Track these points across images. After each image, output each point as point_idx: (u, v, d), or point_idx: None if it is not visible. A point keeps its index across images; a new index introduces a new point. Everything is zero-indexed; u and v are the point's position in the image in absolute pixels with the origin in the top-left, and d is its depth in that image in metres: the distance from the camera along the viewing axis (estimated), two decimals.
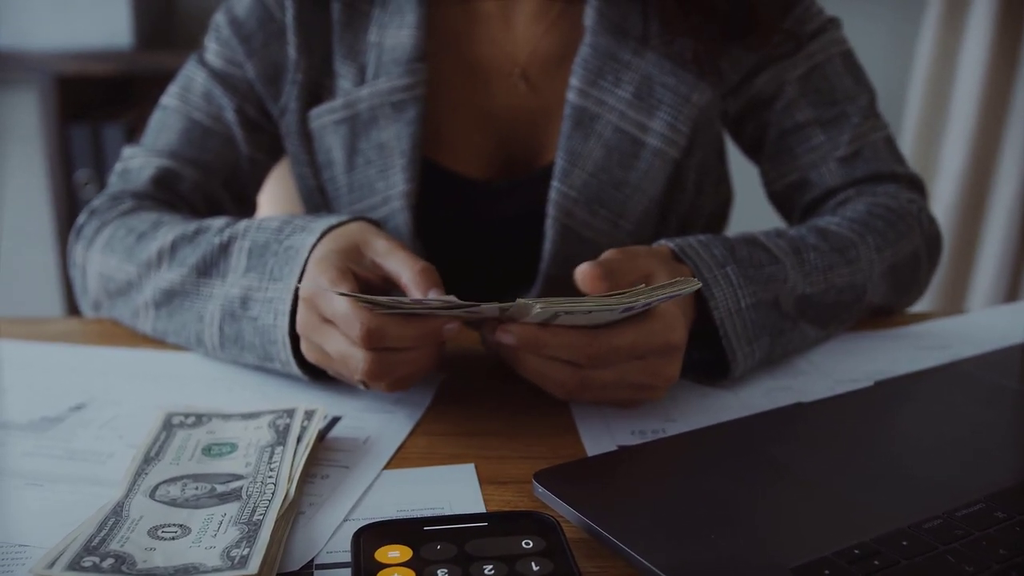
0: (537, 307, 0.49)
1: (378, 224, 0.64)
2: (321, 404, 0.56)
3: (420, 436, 0.57)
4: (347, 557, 0.42)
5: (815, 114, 0.81)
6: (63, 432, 0.56)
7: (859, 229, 0.72)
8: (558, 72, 0.81)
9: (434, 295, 0.54)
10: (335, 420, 0.58)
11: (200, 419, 0.55)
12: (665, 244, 0.63)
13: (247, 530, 0.43)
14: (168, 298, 0.68)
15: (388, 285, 0.58)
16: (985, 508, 0.44)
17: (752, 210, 1.12)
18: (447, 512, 0.48)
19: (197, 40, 0.88)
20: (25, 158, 1.93)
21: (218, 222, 0.68)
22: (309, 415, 0.54)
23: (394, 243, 0.59)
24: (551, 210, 0.77)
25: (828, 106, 0.81)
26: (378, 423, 0.58)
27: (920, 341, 0.72)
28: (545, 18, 0.81)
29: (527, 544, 0.41)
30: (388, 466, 0.53)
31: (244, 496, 0.46)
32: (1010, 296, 1.94)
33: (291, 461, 0.49)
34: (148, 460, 0.50)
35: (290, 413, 0.54)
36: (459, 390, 0.63)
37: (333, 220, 0.62)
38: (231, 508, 0.45)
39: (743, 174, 1.00)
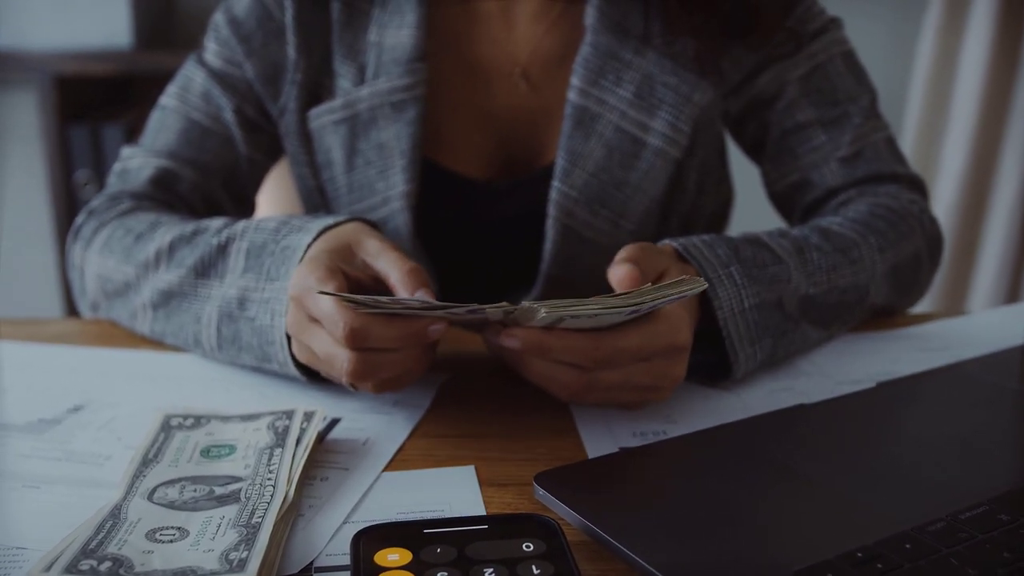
0: (542, 311, 0.49)
1: (374, 225, 0.64)
2: (320, 406, 0.56)
3: (420, 438, 0.56)
4: (347, 560, 0.42)
5: (816, 114, 0.80)
6: (61, 434, 0.56)
7: (861, 229, 0.72)
8: (559, 72, 0.81)
9: (422, 296, 0.54)
10: (334, 422, 0.58)
11: (199, 421, 0.55)
12: (669, 244, 0.62)
13: (246, 533, 0.43)
14: (166, 299, 0.68)
15: (379, 285, 0.58)
16: (988, 511, 0.44)
17: (753, 210, 1.11)
18: (447, 514, 0.48)
19: (197, 40, 0.88)
20: (25, 158, 1.92)
21: (216, 223, 0.68)
22: (308, 417, 0.54)
23: (386, 243, 0.58)
24: (552, 210, 0.77)
25: (829, 106, 0.80)
26: (378, 425, 0.58)
27: (922, 342, 0.72)
28: (546, 18, 0.81)
29: (528, 547, 0.41)
30: (388, 468, 0.53)
31: (243, 498, 0.46)
32: (1011, 296, 1.94)
33: (290, 463, 0.49)
34: (146, 462, 0.50)
35: (289, 415, 0.54)
36: (459, 391, 0.63)
37: (330, 220, 0.62)
38: (230, 510, 0.45)
39: (744, 174, 1.00)
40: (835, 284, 0.68)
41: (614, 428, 0.57)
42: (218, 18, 0.82)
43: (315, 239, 0.60)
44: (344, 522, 0.47)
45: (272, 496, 0.46)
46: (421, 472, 0.52)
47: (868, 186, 0.80)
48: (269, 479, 0.48)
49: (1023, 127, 1.85)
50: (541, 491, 0.46)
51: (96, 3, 1.68)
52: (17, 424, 0.57)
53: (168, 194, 0.80)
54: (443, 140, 0.81)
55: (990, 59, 1.84)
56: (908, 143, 1.93)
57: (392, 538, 0.41)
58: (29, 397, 0.61)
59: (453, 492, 0.50)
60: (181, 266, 0.67)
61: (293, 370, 0.60)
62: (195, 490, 0.47)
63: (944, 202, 1.92)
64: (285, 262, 0.60)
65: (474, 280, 0.85)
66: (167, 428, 0.54)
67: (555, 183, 0.76)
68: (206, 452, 0.51)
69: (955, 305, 2.00)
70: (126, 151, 0.83)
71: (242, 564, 0.40)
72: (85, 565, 0.40)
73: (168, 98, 0.83)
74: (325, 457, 0.53)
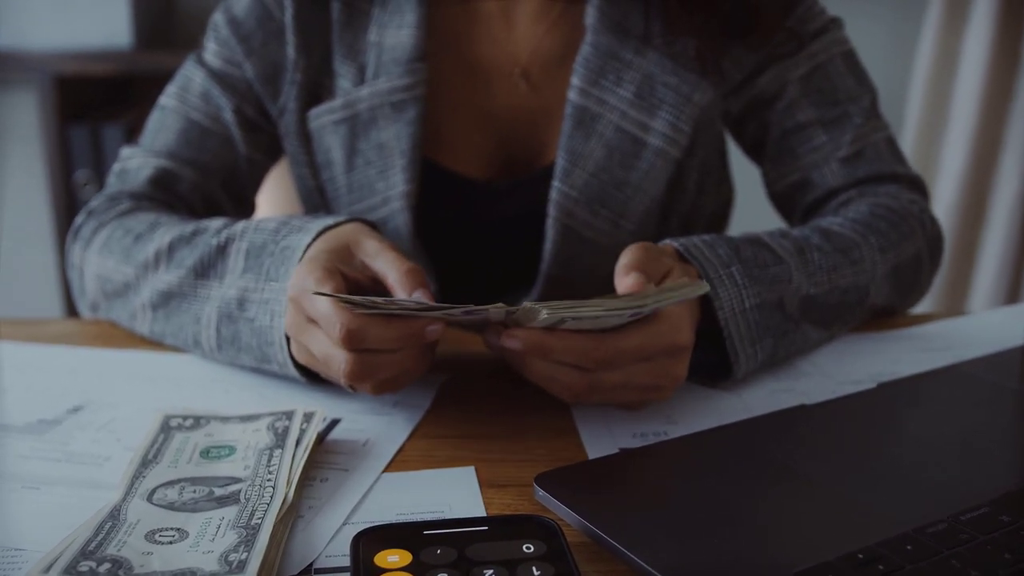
0: (544, 312, 0.49)
1: (374, 225, 0.64)
2: (320, 406, 0.55)
3: (420, 438, 0.56)
4: (346, 561, 0.42)
5: (817, 114, 0.80)
6: (60, 434, 0.56)
7: (862, 230, 0.72)
8: (559, 72, 0.80)
9: (419, 296, 0.54)
10: (334, 422, 0.58)
11: (198, 421, 0.55)
12: (670, 244, 0.62)
13: (245, 534, 0.42)
14: (165, 300, 0.67)
15: (377, 286, 0.58)
16: (990, 512, 0.44)
17: (753, 210, 1.11)
18: (447, 515, 0.47)
19: (197, 40, 0.88)
20: (24, 158, 1.92)
21: (216, 223, 0.68)
22: (308, 417, 0.54)
23: (384, 244, 0.58)
24: (552, 210, 0.77)
25: (830, 106, 0.80)
26: (377, 425, 0.57)
27: (923, 343, 0.72)
28: (546, 17, 0.81)
29: (528, 548, 0.40)
30: (388, 469, 0.52)
31: (242, 499, 0.46)
32: (1011, 296, 1.93)
33: (290, 464, 0.49)
34: (146, 463, 0.50)
35: (289, 415, 0.54)
36: (459, 392, 0.63)
37: (329, 221, 0.62)
38: (229, 511, 0.45)
39: (744, 174, 1.00)
40: (836, 284, 0.68)
41: (614, 429, 0.57)
42: (217, 18, 0.82)
43: (314, 239, 0.60)
44: (344, 523, 0.47)
45: (272, 497, 0.46)
46: (421, 473, 0.52)
47: (869, 186, 0.80)
48: (269, 480, 0.48)
49: (1023, 127, 1.85)
50: (541, 492, 0.46)
51: (96, 3, 1.68)
52: (16, 425, 0.57)
53: (167, 194, 0.80)
54: (443, 140, 0.81)
55: (990, 59, 1.83)
56: (908, 143, 1.93)
57: (392, 539, 0.41)
58: (28, 398, 0.61)
59: (453, 493, 0.50)
60: (180, 267, 0.66)
61: (292, 371, 0.60)
62: (195, 491, 0.47)
63: (944, 202, 1.92)
64: (285, 262, 0.60)
65: (474, 280, 0.85)
66: (166, 429, 0.54)
67: (555, 183, 0.76)
68: (206, 453, 0.51)
69: (955, 305, 2.00)
70: (125, 151, 0.83)
71: (242, 565, 0.40)
72: (84, 567, 0.39)
73: (167, 98, 0.83)
74: (325, 458, 0.53)
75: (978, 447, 0.53)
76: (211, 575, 0.39)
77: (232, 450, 0.52)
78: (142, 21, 1.73)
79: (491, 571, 0.39)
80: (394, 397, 0.61)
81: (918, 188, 0.82)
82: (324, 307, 0.52)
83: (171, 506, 0.46)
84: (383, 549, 0.40)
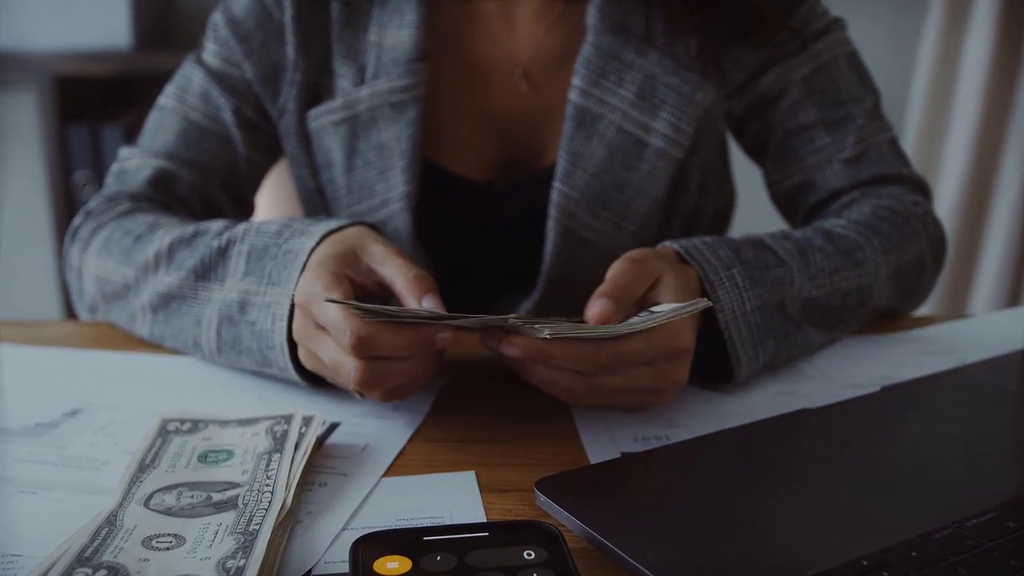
0: (546, 331, 0.50)
1: (377, 228, 0.64)
2: (319, 410, 0.55)
3: (420, 443, 0.56)
4: (345, 567, 0.41)
5: (820, 115, 0.80)
6: (57, 438, 0.55)
7: (864, 232, 0.71)
8: (560, 72, 0.80)
9: (428, 302, 0.53)
10: (333, 426, 0.57)
11: (196, 425, 0.54)
12: (670, 246, 0.62)
13: (243, 540, 0.42)
14: (165, 302, 0.67)
15: (384, 291, 0.58)
16: (995, 518, 0.43)
17: (755, 211, 1.11)
18: (447, 521, 0.47)
19: (196, 40, 0.87)
20: (24, 159, 1.92)
21: (216, 225, 0.67)
22: (307, 421, 0.53)
23: (390, 249, 0.58)
24: (552, 211, 0.76)
25: (833, 107, 0.80)
26: (377, 429, 0.57)
27: (925, 345, 0.72)
28: (547, 17, 0.80)
29: (529, 555, 0.40)
30: (387, 473, 0.52)
31: (240, 505, 0.46)
32: (1012, 298, 1.93)
33: (288, 468, 0.49)
34: (143, 467, 0.50)
35: (288, 419, 0.54)
36: (459, 395, 0.62)
37: (332, 224, 0.61)
38: (227, 517, 0.45)
39: (746, 175, 1.00)
40: (838, 286, 0.67)
41: (616, 433, 0.57)
42: (217, 18, 0.82)
43: (318, 243, 0.60)
44: (343, 529, 0.46)
45: (270, 502, 0.45)
46: (421, 478, 0.52)
47: (872, 188, 0.79)
48: (267, 485, 0.47)
49: None
50: (542, 497, 0.46)
51: (96, 3, 1.68)
52: (13, 428, 0.57)
53: (166, 195, 0.79)
54: (443, 141, 0.81)
55: (992, 59, 1.83)
56: (909, 144, 1.93)
57: (391, 545, 0.41)
58: (26, 400, 0.61)
59: (453, 498, 0.49)
60: (181, 268, 0.66)
61: (293, 375, 0.60)
62: (192, 496, 0.47)
63: (945, 203, 1.91)
64: (287, 266, 0.60)
65: (474, 281, 0.85)
66: (164, 433, 0.53)
67: (556, 184, 0.76)
68: (204, 457, 0.51)
69: (956, 307, 1.99)
70: (124, 151, 0.82)
71: (239, 572, 0.39)
72: (80, 574, 0.39)
73: (166, 98, 0.82)
74: (324, 462, 0.53)
75: (982, 451, 0.52)
76: None
77: (230, 454, 0.51)
78: (142, 21, 1.73)
79: None
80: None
81: (921, 189, 0.81)
82: (334, 314, 0.52)
83: (168, 511, 0.45)
84: (382, 555, 0.40)
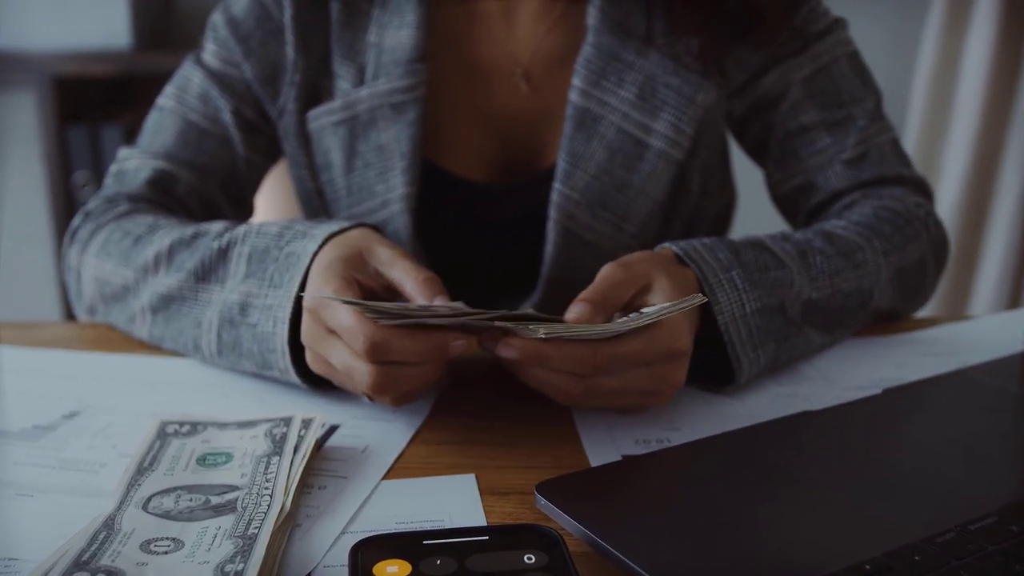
0: (541, 332, 0.50)
1: (380, 230, 0.63)
2: (319, 412, 0.55)
3: (420, 445, 0.56)
4: (345, 571, 0.41)
5: (821, 116, 0.80)
6: (55, 441, 0.55)
7: (866, 233, 0.71)
8: (560, 72, 0.80)
9: (440, 304, 0.53)
10: (333, 429, 0.57)
11: (195, 428, 0.54)
12: (669, 247, 0.62)
13: (242, 544, 0.42)
14: (165, 303, 0.67)
15: (391, 294, 0.57)
16: (999, 521, 0.43)
17: (756, 213, 1.11)
18: (447, 524, 0.47)
19: (196, 40, 0.87)
20: (23, 159, 1.92)
21: (216, 226, 0.67)
22: (306, 424, 0.53)
23: (397, 251, 0.58)
24: (552, 213, 0.76)
25: (834, 108, 0.80)
26: (377, 432, 0.57)
27: (926, 347, 0.71)
28: (547, 18, 0.80)
29: (529, 559, 0.40)
30: (387, 476, 0.52)
31: (239, 508, 0.45)
32: (1013, 299, 1.93)
33: (288, 471, 0.48)
34: (141, 470, 0.49)
35: (287, 422, 0.53)
36: (459, 398, 0.62)
37: (334, 226, 0.61)
38: (226, 521, 0.44)
39: (747, 176, 0.99)
40: (838, 288, 0.67)
41: (616, 435, 0.56)
42: (216, 18, 0.81)
43: (321, 246, 0.59)
44: (342, 532, 0.46)
45: (269, 506, 0.45)
46: (421, 480, 0.51)
47: (873, 189, 0.79)
48: (266, 488, 0.47)
49: None
50: (543, 500, 0.46)
51: (95, 4, 1.68)
52: (11, 431, 0.56)
53: (165, 196, 0.79)
54: (443, 142, 0.81)
55: (993, 60, 1.83)
56: (910, 144, 1.93)
57: (391, 549, 0.40)
58: (24, 402, 0.60)
59: (453, 501, 0.49)
60: (181, 270, 0.66)
61: (294, 378, 0.60)
62: (191, 499, 0.47)
63: (946, 204, 1.91)
64: (289, 269, 0.60)
65: (474, 282, 0.84)
66: (163, 435, 0.53)
67: (556, 185, 0.76)
68: (202, 460, 0.51)
69: (957, 308, 1.99)
70: (123, 152, 0.82)
71: None
72: None
73: (165, 99, 0.82)
74: (323, 465, 0.52)
75: (984, 454, 0.52)
76: None
77: (229, 457, 0.51)
78: (141, 22, 1.73)
79: None
80: None
81: (923, 191, 0.81)
82: (346, 319, 0.52)
83: (167, 515, 0.45)
84: (382, 559, 0.40)
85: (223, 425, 0.54)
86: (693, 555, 0.41)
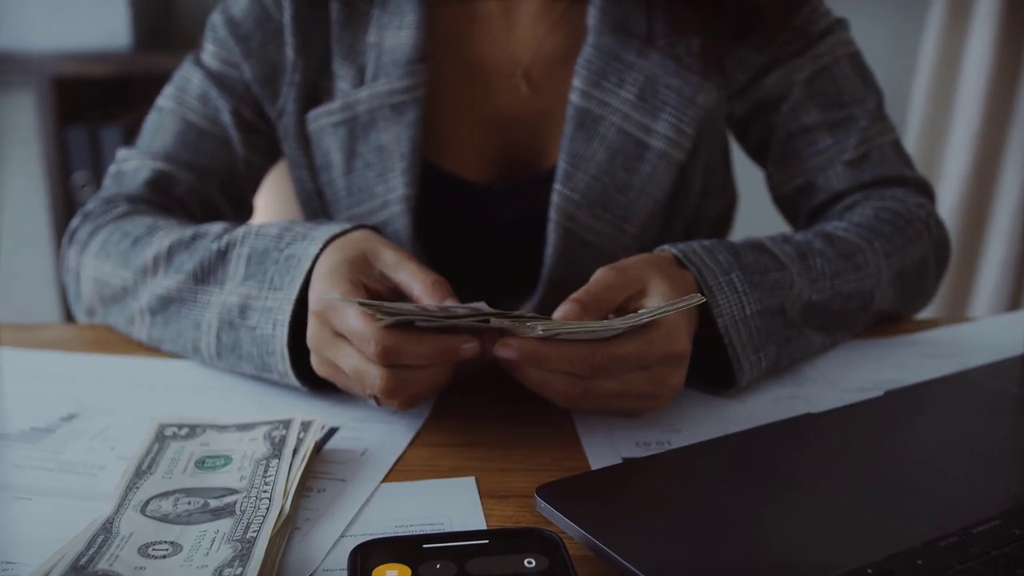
0: (539, 329, 0.50)
1: (380, 232, 0.63)
2: (318, 414, 0.55)
3: (419, 448, 0.55)
4: (344, 575, 0.41)
5: (822, 117, 0.79)
6: (54, 443, 0.55)
7: (866, 234, 0.71)
8: (560, 73, 0.79)
9: (452, 305, 0.53)
10: (332, 431, 0.57)
11: (194, 430, 0.54)
12: (668, 250, 0.61)
13: (240, 548, 0.42)
14: (164, 305, 0.66)
15: (397, 296, 0.57)
16: (1001, 525, 0.43)
17: (756, 214, 1.10)
18: (447, 527, 0.47)
19: (196, 41, 0.87)
20: (22, 160, 1.92)
21: (215, 228, 0.67)
22: (306, 426, 0.53)
23: (402, 254, 0.57)
24: (553, 214, 0.76)
25: (835, 109, 0.79)
26: (376, 434, 0.57)
27: (928, 349, 0.71)
28: (547, 18, 0.80)
29: (529, 563, 0.40)
30: (386, 479, 0.52)
31: (238, 511, 0.45)
32: (1014, 300, 1.93)
33: (287, 474, 0.48)
34: (140, 473, 0.49)
35: (286, 424, 0.53)
36: (459, 400, 0.62)
37: (335, 229, 0.61)
38: (224, 524, 0.44)
39: (748, 177, 0.99)
40: (839, 290, 0.67)
41: (617, 438, 0.56)
42: (216, 19, 0.81)
43: (322, 249, 0.59)
44: (341, 536, 0.46)
45: (268, 509, 0.45)
46: (420, 483, 0.51)
47: (874, 190, 0.79)
48: (265, 491, 0.47)
49: None
50: (543, 504, 0.45)
51: (95, 4, 1.67)
52: (9, 433, 0.56)
53: (164, 197, 0.79)
54: (443, 142, 0.80)
55: (993, 60, 1.82)
56: (910, 145, 1.92)
57: (391, 553, 0.40)
58: (22, 405, 0.60)
59: (453, 504, 0.49)
60: (180, 271, 0.66)
61: (294, 380, 0.59)
62: (189, 503, 0.46)
63: (946, 204, 1.91)
64: (290, 271, 0.59)
65: (474, 284, 0.84)
66: (161, 438, 0.53)
67: (556, 186, 0.75)
68: (201, 463, 0.50)
69: (957, 310, 1.99)
70: (122, 153, 0.82)
71: None
72: None
73: (165, 99, 0.82)
74: (322, 468, 0.52)
75: (987, 456, 0.52)
76: None
77: (228, 460, 0.51)
78: (141, 22, 1.73)
79: None
80: None
81: (925, 191, 0.81)
82: (356, 323, 0.51)
83: (165, 518, 0.45)
84: (382, 563, 0.40)
85: (222, 427, 0.54)
86: (694, 559, 0.41)
